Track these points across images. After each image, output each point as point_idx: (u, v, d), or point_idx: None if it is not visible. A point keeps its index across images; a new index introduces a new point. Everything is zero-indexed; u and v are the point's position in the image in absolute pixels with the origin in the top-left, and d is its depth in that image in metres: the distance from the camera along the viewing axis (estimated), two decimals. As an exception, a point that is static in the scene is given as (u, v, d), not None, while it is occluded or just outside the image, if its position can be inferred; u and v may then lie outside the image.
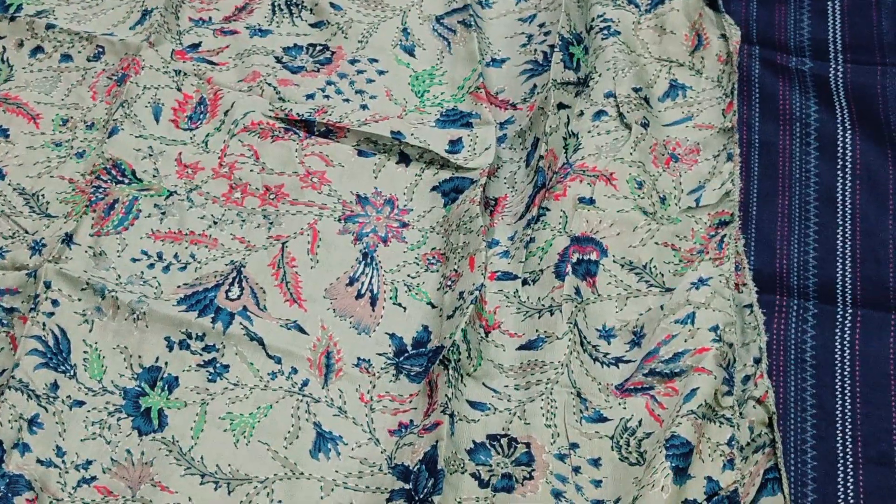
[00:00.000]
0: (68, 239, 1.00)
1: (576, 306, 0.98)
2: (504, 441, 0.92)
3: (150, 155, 1.06)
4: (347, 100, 1.11)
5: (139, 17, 1.16)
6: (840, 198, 1.08)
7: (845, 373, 0.99)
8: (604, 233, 1.02)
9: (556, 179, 1.04)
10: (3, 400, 0.92)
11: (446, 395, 0.92)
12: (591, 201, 1.03)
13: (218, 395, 0.94)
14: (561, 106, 1.08)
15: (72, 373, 0.94)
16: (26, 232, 1.03)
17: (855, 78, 1.14)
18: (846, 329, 1.01)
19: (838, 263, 1.04)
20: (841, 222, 1.07)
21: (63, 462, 0.90)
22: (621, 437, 0.92)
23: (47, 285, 0.97)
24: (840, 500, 0.93)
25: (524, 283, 1.00)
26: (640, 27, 1.13)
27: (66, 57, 1.14)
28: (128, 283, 0.99)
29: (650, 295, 0.99)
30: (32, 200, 1.05)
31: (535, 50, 1.14)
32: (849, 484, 0.94)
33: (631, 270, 1.01)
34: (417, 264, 1.02)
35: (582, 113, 1.08)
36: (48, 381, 0.93)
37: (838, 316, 1.02)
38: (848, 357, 1.00)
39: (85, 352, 0.95)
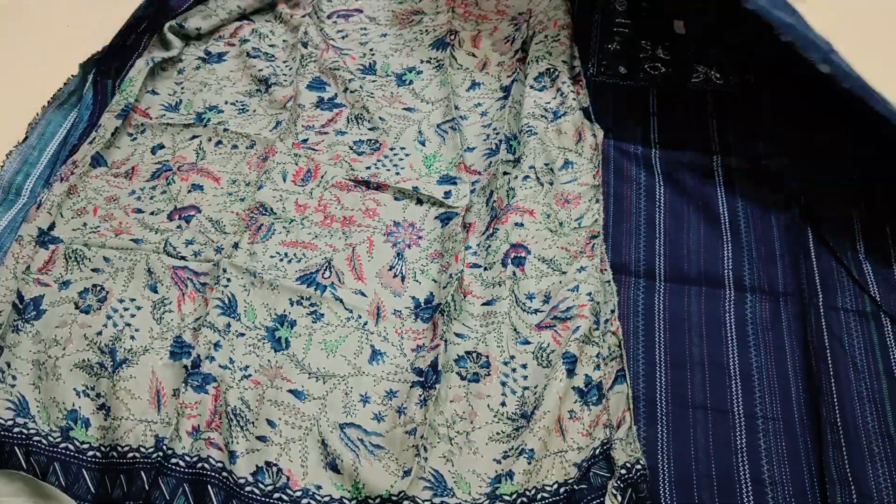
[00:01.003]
0: (235, 245, 1.02)
1: (513, 282, 0.99)
2: (474, 355, 0.93)
3: (281, 199, 1.08)
4: (388, 170, 1.13)
5: (275, 124, 1.17)
6: (657, 223, 1.08)
7: (660, 318, 1.00)
8: (528, 241, 1.03)
9: (502, 213, 1.05)
10: (201, 333, 0.93)
11: (443, 330, 0.94)
12: (522, 225, 1.04)
13: (318, 330, 0.96)
14: (505, 173, 1.09)
15: (238, 318, 0.96)
16: (213, 241, 1.04)
17: (664, 156, 1.15)
18: (661, 294, 1.02)
19: (656, 258, 1.05)
20: (658, 235, 1.07)
21: (233, 366, 0.92)
22: (539, 353, 0.92)
23: (224, 270, 0.99)
24: (658, 388, 0.94)
25: (485, 269, 1.01)
26: (548, 130, 1.14)
27: (235, 146, 1.15)
28: (269, 269, 1.00)
29: (554, 275, 1.00)
30: (216, 224, 1.06)
31: (492, 142, 1.15)
32: (663, 378, 0.95)
33: (543, 262, 1.01)
34: (427, 259, 1.03)
35: (516, 177, 1.09)
36: (225, 323, 0.95)
37: (657, 286, 1.03)
38: (662, 310, 1.01)
39: (245, 306, 0.97)
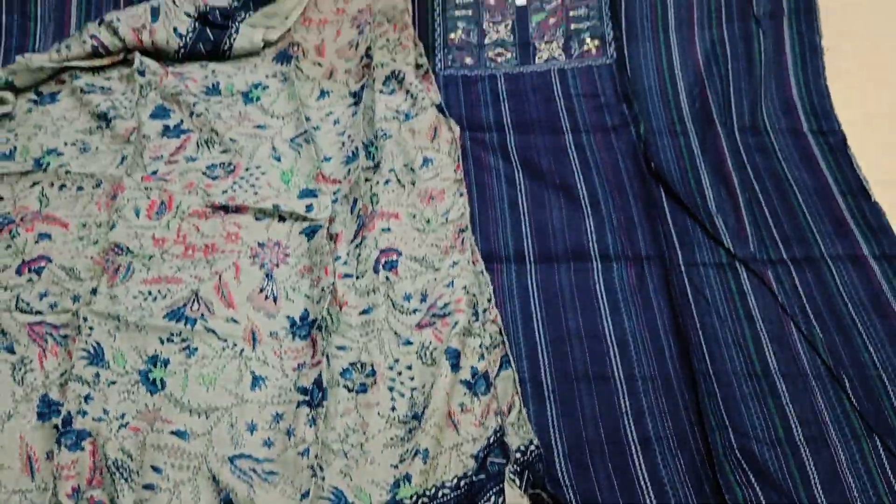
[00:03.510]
0: (94, 291, 0.98)
1: (387, 287, 1.00)
2: (358, 365, 0.93)
3: (137, 237, 1.04)
4: (246, 191, 1.10)
5: (120, 160, 1.13)
6: (520, 208, 1.11)
7: (535, 299, 1.03)
8: (398, 244, 1.03)
9: (368, 220, 1.05)
10: (69, 388, 0.89)
11: (323, 345, 0.93)
12: (389, 229, 1.04)
13: (193, 365, 0.93)
14: (366, 179, 1.10)
15: (107, 366, 0.92)
16: (69, 290, 0.99)
17: (520, 142, 1.18)
18: (533, 275, 1.05)
19: (524, 242, 1.08)
20: (523, 219, 1.10)
21: (108, 416, 0.89)
22: (422, 352, 0.94)
23: (84, 319, 0.95)
24: (541, 367, 0.97)
25: (357, 277, 1.01)
26: (402, 131, 1.14)
27: (80, 188, 1.10)
28: (133, 310, 0.97)
29: (428, 272, 1.01)
30: (70, 272, 1.01)
31: (348, 150, 1.15)
32: (544, 356, 0.98)
33: (415, 261, 1.02)
34: (297, 276, 1.02)
35: (378, 182, 1.09)
36: (93, 373, 0.91)
37: (528, 269, 1.06)
38: (536, 290, 1.04)
39: (113, 352, 0.94)
